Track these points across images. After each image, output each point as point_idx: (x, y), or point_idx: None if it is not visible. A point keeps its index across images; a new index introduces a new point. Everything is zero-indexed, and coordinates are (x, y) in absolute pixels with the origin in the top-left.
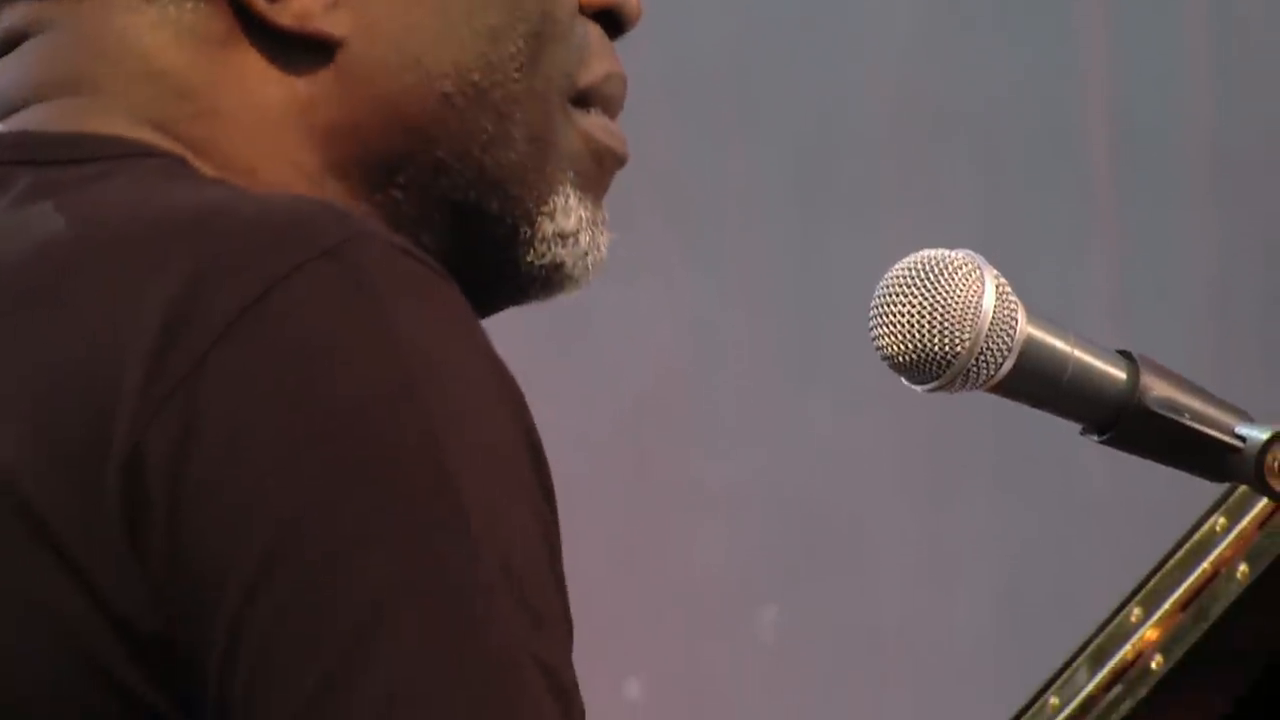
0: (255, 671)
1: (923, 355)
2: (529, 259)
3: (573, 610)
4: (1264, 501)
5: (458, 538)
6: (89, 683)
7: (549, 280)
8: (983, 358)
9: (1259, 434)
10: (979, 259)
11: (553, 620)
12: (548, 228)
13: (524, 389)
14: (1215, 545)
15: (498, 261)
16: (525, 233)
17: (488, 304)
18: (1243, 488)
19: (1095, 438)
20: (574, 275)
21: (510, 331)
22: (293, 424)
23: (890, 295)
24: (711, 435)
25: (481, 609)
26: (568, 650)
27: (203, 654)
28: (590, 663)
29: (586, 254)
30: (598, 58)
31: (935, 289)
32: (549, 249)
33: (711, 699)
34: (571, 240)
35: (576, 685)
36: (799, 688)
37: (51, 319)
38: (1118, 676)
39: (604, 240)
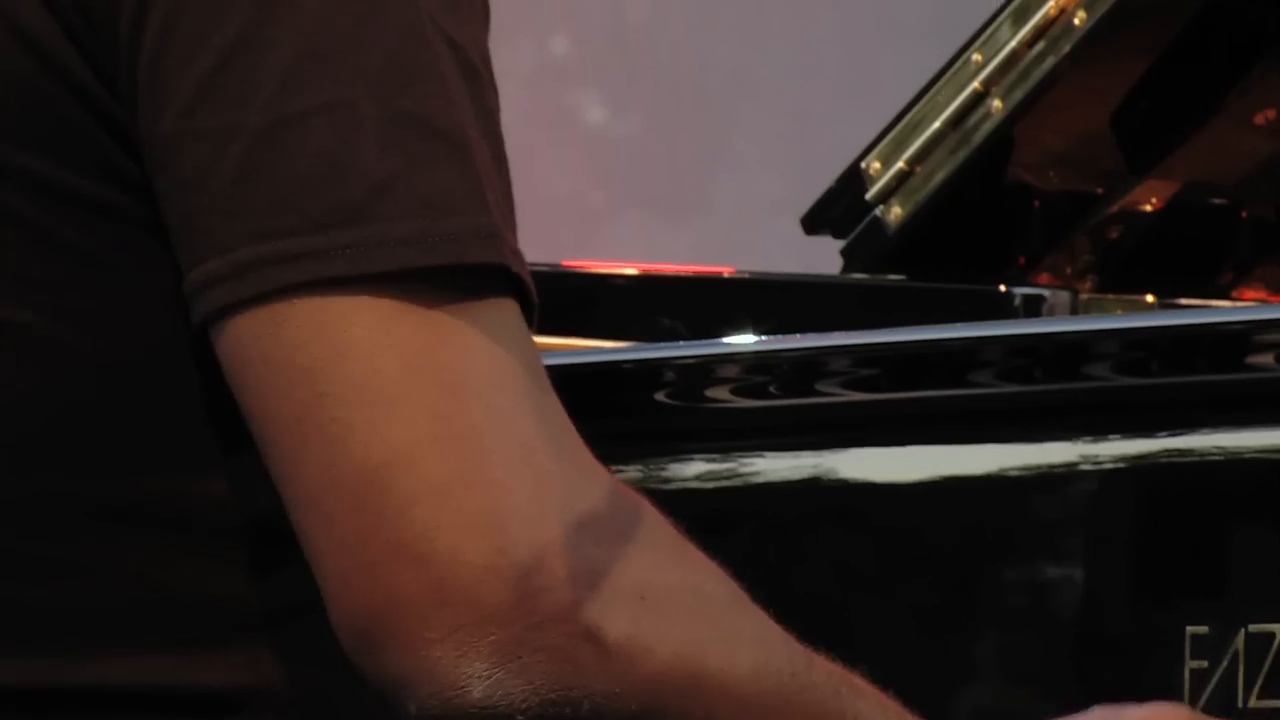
0: (163, 35)
1: None
2: None
3: None
4: None
5: None
6: (23, 56)
7: None
8: None
9: None
10: None
11: (468, 8)
12: None
13: None
14: None
15: None
16: None
17: None
18: None
19: None
20: None
21: None
22: None
23: None
24: None
25: None
26: (482, 38)
27: (116, 22)
28: (515, 22)
29: None
30: None
31: None
32: None
33: (639, 48)
34: None
35: (488, 67)
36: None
37: None
38: (1041, 33)
39: None
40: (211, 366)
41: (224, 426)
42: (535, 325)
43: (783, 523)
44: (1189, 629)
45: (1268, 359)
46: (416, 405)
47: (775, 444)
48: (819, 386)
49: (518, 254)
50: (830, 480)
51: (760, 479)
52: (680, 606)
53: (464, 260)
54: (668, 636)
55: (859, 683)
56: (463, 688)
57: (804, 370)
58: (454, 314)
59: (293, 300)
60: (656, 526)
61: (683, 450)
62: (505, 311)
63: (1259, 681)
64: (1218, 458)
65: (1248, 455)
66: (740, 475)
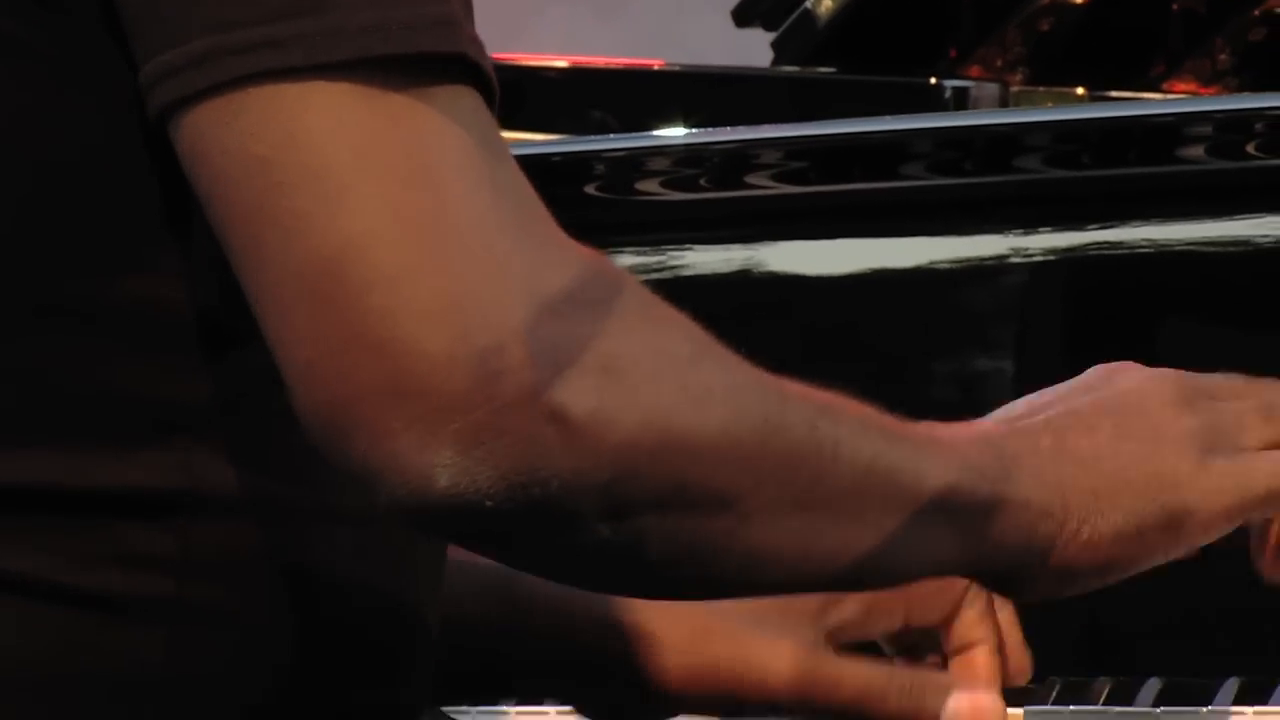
0: None
1: None
2: None
3: None
4: None
5: None
6: None
7: None
8: None
9: None
10: None
11: None
12: None
13: None
14: None
15: None
16: None
17: None
18: None
19: None
20: None
21: None
22: None
23: None
24: None
25: None
26: None
27: None
28: None
29: None
30: None
31: None
32: None
33: None
34: None
35: None
36: None
37: None
38: None
39: None
40: (159, 164)
41: (168, 225)
42: (498, 113)
43: (712, 315)
44: None
45: (1197, 152)
46: (371, 192)
47: (705, 237)
48: (749, 179)
49: (476, 42)
50: (760, 273)
51: (690, 271)
52: (646, 372)
53: (420, 49)
54: (633, 405)
55: (838, 406)
56: (428, 477)
57: (734, 163)
58: (410, 101)
59: (248, 90)
60: (621, 294)
61: (613, 243)
62: (463, 98)
63: None
64: (1147, 250)
65: (1177, 247)
66: (670, 268)
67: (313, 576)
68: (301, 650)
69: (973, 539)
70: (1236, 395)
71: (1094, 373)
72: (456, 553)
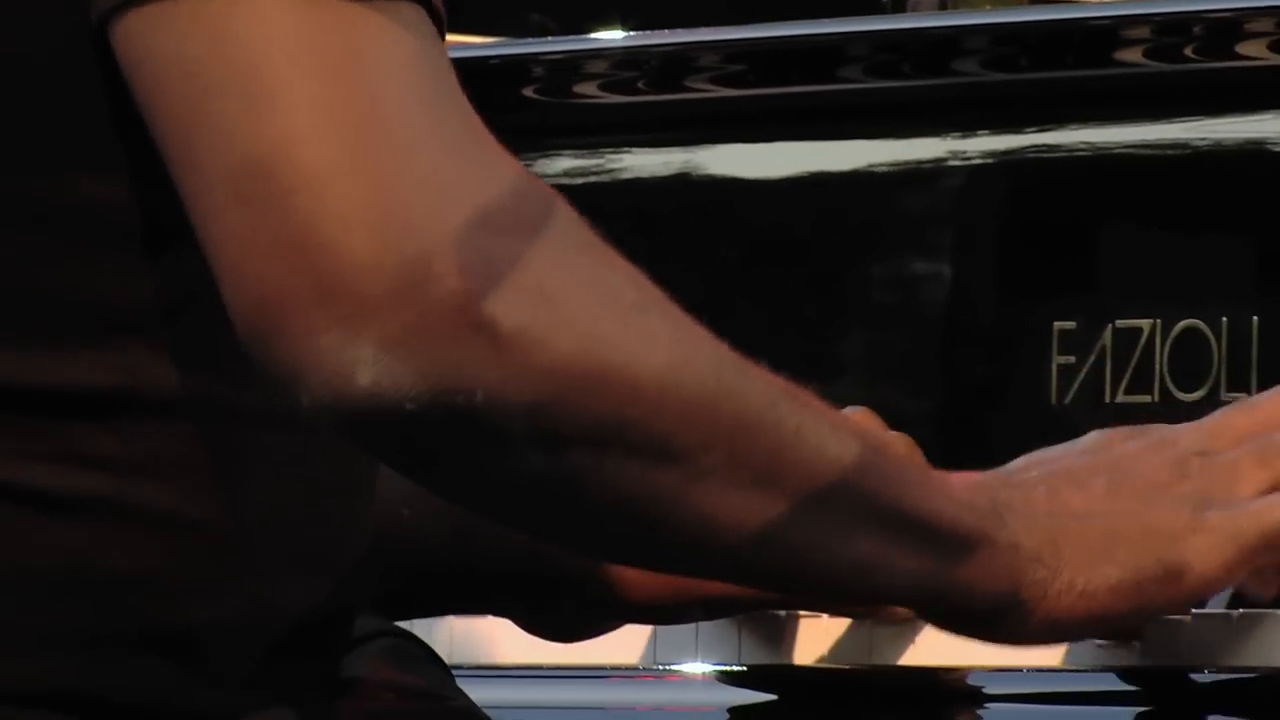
0: None
1: None
2: None
3: None
4: None
5: None
6: None
7: None
8: None
9: None
10: None
11: None
12: None
13: None
14: None
15: None
16: None
17: None
18: None
19: None
20: None
21: None
22: None
23: None
24: None
25: None
26: None
27: None
28: None
29: None
30: None
31: None
32: None
33: None
34: None
35: None
36: None
37: None
38: None
39: None
40: (106, 69)
41: (115, 128)
42: (444, 31)
43: (650, 218)
44: (1056, 324)
45: (1135, 54)
46: (301, 95)
47: (643, 140)
48: (687, 82)
49: None
50: (698, 176)
51: (628, 174)
52: (584, 301)
53: None
54: (568, 329)
55: (808, 398)
56: (348, 375)
57: (672, 66)
58: (347, 6)
59: None
60: (566, 221)
61: (551, 146)
62: (405, 11)
63: (1125, 377)
64: (1085, 153)
65: (1115, 150)
66: (608, 171)
67: (249, 479)
68: (235, 551)
69: (950, 572)
70: (1231, 442)
71: (1091, 437)
72: None
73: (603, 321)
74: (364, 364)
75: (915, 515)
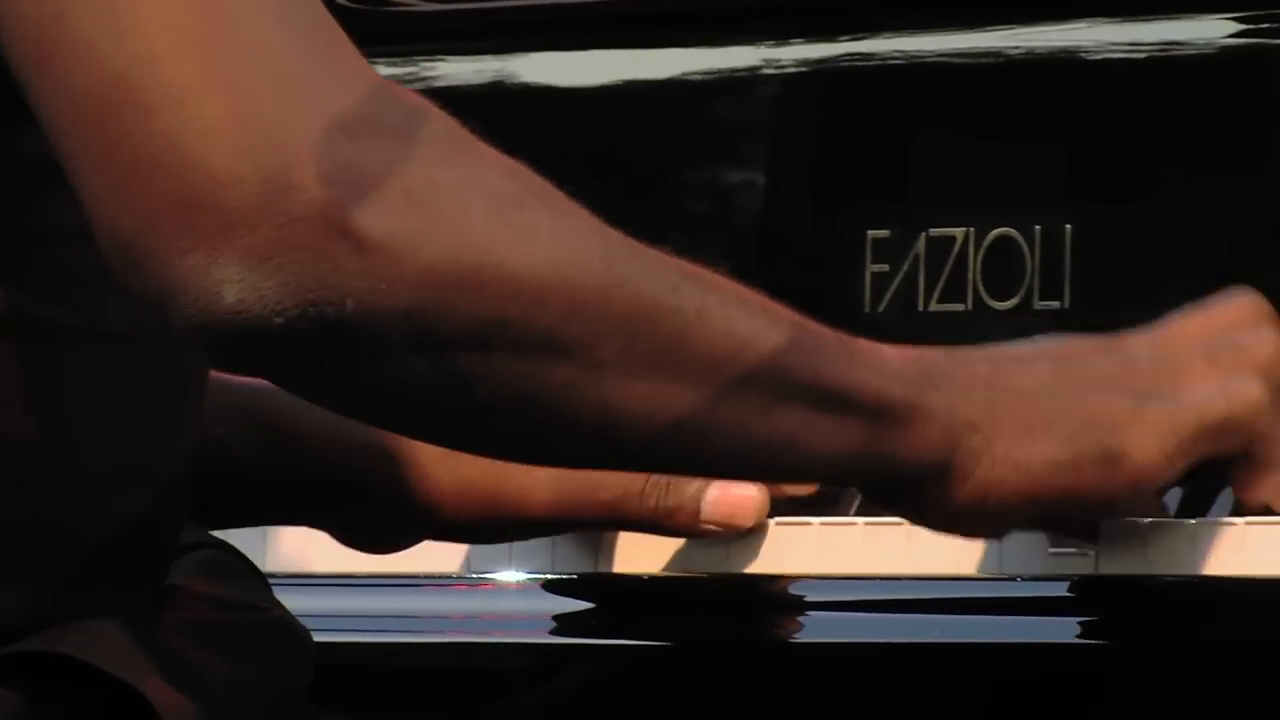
0: None
1: None
2: None
3: None
4: None
5: None
6: None
7: None
8: None
9: None
10: None
11: None
12: None
13: None
14: None
15: None
16: None
17: None
18: None
19: None
20: None
21: None
22: None
23: None
24: None
25: None
26: None
27: None
28: None
29: None
30: None
31: None
32: None
33: None
34: None
35: None
36: None
37: None
38: None
39: None
40: None
41: None
42: None
43: (465, 128)
44: (870, 233)
45: None
46: (155, 14)
47: (457, 48)
48: None
49: None
50: (513, 84)
51: (443, 83)
52: (455, 203)
53: None
54: (438, 232)
55: (712, 278)
56: (215, 294)
57: None
58: None
59: None
60: (434, 125)
61: (365, 55)
62: None
63: (939, 285)
64: (899, 61)
65: (930, 59)
66: (423, 79)
67: (70, 393)
68: (55, 464)
69: (878, 442)
70: (1182, 346)
71: (1042, 337)
72: (216, 375)
73: (476, 221)
74: (229, 282)
75: (835, 388)
